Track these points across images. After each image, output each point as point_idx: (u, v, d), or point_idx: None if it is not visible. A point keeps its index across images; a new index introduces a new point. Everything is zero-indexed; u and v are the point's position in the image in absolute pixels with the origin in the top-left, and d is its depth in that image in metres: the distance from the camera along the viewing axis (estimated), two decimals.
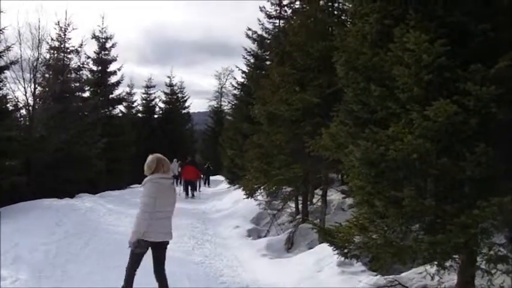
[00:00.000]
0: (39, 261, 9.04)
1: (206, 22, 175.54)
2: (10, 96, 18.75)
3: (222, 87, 57.81)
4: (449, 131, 5.27)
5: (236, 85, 30.05)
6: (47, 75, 22.15)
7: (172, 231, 6.89)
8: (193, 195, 25.80)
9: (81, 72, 25.91)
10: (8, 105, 18.16)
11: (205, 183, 32.79)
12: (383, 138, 5.71)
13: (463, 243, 5.34)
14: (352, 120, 6.70)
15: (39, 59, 20.91)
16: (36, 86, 20.73)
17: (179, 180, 29.53)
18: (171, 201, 6.85)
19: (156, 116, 44.23)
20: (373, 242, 6.24)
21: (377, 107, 6.22)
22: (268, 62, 22.05)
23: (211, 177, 36.47)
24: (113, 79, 31.64)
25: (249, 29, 25.86)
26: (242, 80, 28.69)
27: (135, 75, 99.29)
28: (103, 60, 31.08)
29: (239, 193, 19.10)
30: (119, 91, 32.43)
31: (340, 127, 6.86)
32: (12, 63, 18.06)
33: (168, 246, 7.10)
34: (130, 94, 39.45)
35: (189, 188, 25.96)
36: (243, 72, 27.84)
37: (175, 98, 46.27)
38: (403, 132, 5.50)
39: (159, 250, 6.79)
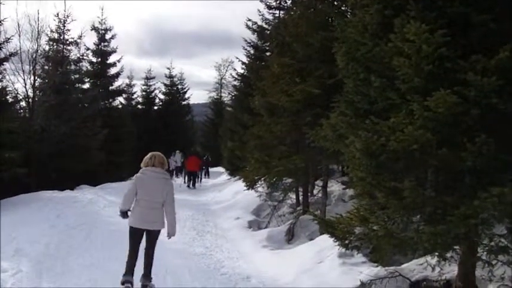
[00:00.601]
0: (40, 253, 9.05)
1: (205, 13, 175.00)
2: (10, 88, 18.76)
3: (222, 79, 57.60)
4: (450, 121, 5.26)
5: (236, 76, 29.93)
6: (46, 67, 22.12)
7: (160, 221, 7.35)
8: (194, 186, 26.05)
9: (80, 63, 25.75)
10: (8, 97, 18.13)
11: (205, 175, 32.87)
12: (383, 129, 5.70)
13: (464, 234, 5.35)
14: (353, 111, 6.68)
15: (39, 51, 20.92)
16: (36, 77, 20.75)
17: (182, 171, 29.67)
18: (157, 192, 7.28)
19: (156, 107, 44.15)
20: (374, 233, 6.24)
21: (377, 98, 6.21)
22: (268, 53, 22.00)
23: (211, 169, 36.48)
24: (113, 70, 31.56)
25: (249, 20, 25.68)
26: (242, 71, 28.59)
27: (135, 66, 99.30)
28: (102, 51, 30.98)
29: (239, 184, 19.09)
30: (118, 83, 32.38)
31: (341, 118, 6.84)
32: (12, 55, 18.01)
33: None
34: (130, 86, 39.48)
35: (191, 178, 26.31)
36: (243, 63, 27.75)
37: (175, 89, 46.12)
38: (403, 123, 5.49)
39: (148, 236, 7.37)
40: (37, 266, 8.35)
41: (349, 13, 10.45)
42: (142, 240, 7.42)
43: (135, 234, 7.34)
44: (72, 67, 24.32)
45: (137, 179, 7.32)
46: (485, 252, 5.71)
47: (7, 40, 17.27)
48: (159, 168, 7.40)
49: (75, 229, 11.38)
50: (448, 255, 6.02)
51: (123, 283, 7.20)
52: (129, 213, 7.39)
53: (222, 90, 55.86)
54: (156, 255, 7.52)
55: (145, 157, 7.52)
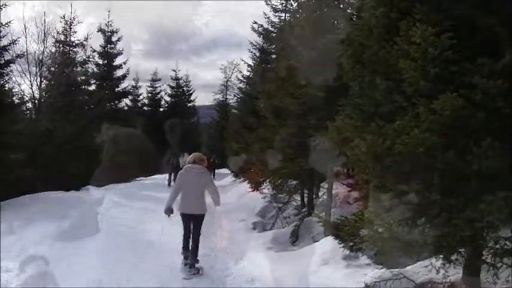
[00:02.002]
0: (45, 254, 9.07)
1: (212, 15, 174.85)
2: (16, 90, 18.82)
3: (227, 81, 57.56)
4: (456, 124, 5.24)
5: (242, 78, 29.98)
6: (52, 69, 22.20)
7: (201, 207, 8.93)
8: None
9: (86, 65, 25.92)
10: (14, 98, 18.18)
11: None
12: (389, 132, 5.68)
13: (469, 236, 5.33)
14: (358, 114, 6.65)
15: (45, 53, 21.00)
16: (42, 79, 20.83)
17: None
18: (195, 184, 8.91)
19: (161, 109, 44.16)
20: (379, 235, 6.22)
21: (383, 101, 6.19)
22: (274, 56, 22.00)
23: (216, 171, 36.47)
24: (119, 72, 31.70)
25: (255, 23, 25.78)
26: (248, 73, 28.63)
27: (141, 68, 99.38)
28: (109, 53, 31.12)
29: (244, 186, 19.09)
30: (124, 84, 32.52)
31: (346, 121, 6.82)
32: (18, 56, 18.07)
33: (173, 239, 8.19)
34: (135, 87, 39.60)
35: None
36: (249, 65, 27.81)
37: (181, 91, 46.12)
38: (409, 126, 5.48)
39: (193, 220, 8.93)
40: (42, 266, 8.37)
41: (354, 16, 10.44)
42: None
43: (184, 218, 8.94)
44: (78, 69, 24.43)
45: (180, 175, 9.14)
46: (490, 255, 5.69)
47: (14, 42, 17.32)
48: (198, 164, 9.10)
49: (81, 230, 11.40)
50: (453, 257, 6.00)
51: (183, 257, 8.77)
52: (174, 209, 8.93)
53: (228, 92, 55.90)
54: (160, 256, 7.55)
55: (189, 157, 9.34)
